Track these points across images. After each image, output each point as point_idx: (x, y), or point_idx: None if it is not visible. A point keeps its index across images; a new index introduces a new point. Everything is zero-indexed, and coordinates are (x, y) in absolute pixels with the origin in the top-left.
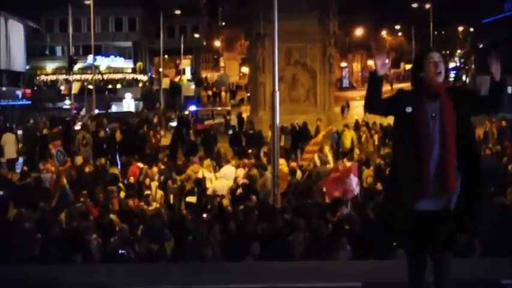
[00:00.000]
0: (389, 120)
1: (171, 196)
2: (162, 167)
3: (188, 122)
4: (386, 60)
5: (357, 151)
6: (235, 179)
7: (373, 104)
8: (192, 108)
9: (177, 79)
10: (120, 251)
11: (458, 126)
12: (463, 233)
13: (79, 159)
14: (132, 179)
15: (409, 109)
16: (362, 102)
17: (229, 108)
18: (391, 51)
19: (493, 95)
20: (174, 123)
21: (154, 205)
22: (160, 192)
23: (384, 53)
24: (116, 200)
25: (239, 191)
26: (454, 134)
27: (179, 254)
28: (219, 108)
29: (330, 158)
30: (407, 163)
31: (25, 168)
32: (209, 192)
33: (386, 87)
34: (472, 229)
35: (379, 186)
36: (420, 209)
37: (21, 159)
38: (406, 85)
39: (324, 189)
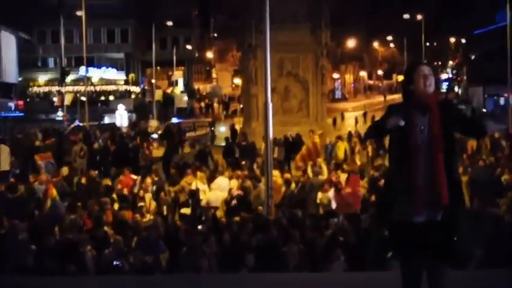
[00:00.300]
0: None
1: (164, 207)
2: (156, 178)
3: (174, 133)
4: (401, 122)
5: (348, 163)
6: (230, 190)
7: (372, 137)
8: (174, 120)
9: (169, 90)
10: (114, 263)
11: (446, 139)
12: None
13: (65, 170)
14: (125, 191)
15: (402, 123)
16: (354, 114)
17: (209, 119)
18: (383, 63)
19: (479, 127)
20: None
21: (148, 217)
22: (154, 204)
23: (400, 118)
24: (110, 211)
25: (234, 202)
26: (442, 147)
27: (174, 265)
28: (201, 120)
29: (324, 169)
30: (397, 175)
31: (12, 180)
32: (203, 203)
33: (380, 99)
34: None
35: (373, 198)
36: (410, 220)
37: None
38: (398, 96)
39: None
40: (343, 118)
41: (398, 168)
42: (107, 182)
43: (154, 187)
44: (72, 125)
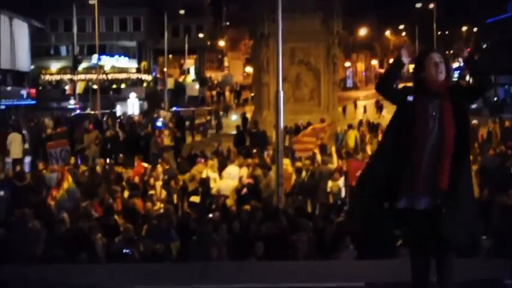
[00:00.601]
0: None
1: (175, 196)
2: (166, 166)
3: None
4: (410, 57)
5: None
6: (240, 178)
7: (385, 83)
8: (173, 108)
9: (181, 79)
10: (124, 250)
11: (458, 125)
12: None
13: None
14: (136, 179)
15: (410, 98)
16: (365, 102)
17: (210, 108)
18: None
19: (472, 73)
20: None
21: (159, 205)
22: (164, 192)
23: (411, 47)
24: (120, 199)
25: (244, 190)
26: (453, 134)
27: (184, 254)
28: (201, 108)
29: (335, 158)
30: (399, 155)
31: (18, 167)
32: (214, 191)
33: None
34: (450, 231)
35: None
36: (413, 208)
37: (27, 159)
38: (411, 84)
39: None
40: (356, 106)
41: (399, 148)
42: (118, 170)
43: (166, 176)
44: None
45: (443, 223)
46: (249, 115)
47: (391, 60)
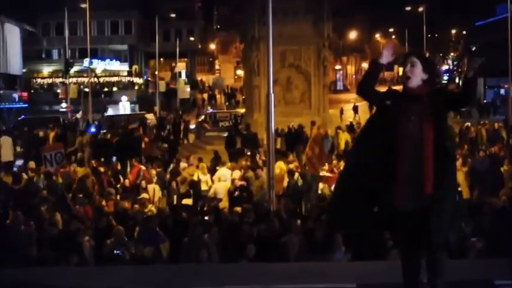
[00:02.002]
0: None
1: (174, 198)
2: (159, 169)
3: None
4: (390, 57)
5: None
6: (233, 181)
7: (365, 86)
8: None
9: (173, 85)
10: (115, 251)
11: (436, 129)
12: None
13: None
14: (127, 182)
15: (388, 102)
16: (358, 104)
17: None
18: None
19: (465, 88)
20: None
21: (150, 207)
22: (158, 195)
23: (392, 47)
24: (112, 202)
25: (237, 193)
26: (432, 137)
27: (175, 256)
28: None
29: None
30: (377, 160)
31: (14, 170)
32: (211, 193)
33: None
34: (434, 229)
35: None
36: (402, 209)
37: (19, 162)
38: (400, 88)
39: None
40: (342, 112)
41: (377, 152)
42: (110, 172)
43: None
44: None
45: (430, 224)
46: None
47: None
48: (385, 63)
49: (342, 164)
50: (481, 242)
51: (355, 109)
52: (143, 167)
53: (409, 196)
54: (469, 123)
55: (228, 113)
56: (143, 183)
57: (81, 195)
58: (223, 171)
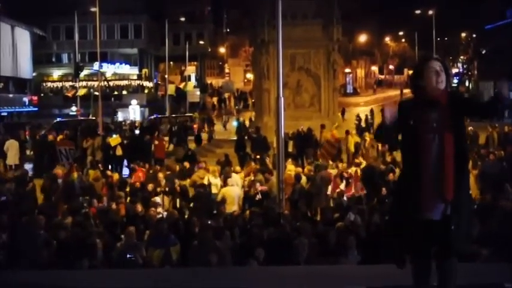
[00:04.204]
0: None
1: (178, 201)
2: (168, 172)
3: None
4: (394, 119)
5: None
6: (253, 185)
7: (383, 139)
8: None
9: (181, 86)
10: (128, 255)
11: (456, 132)
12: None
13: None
14: (137, 184)
15: (411, 122)
16: (366, 108)
17: (190, 114)
18: (394, 58)
19: (492, 105)
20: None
21: (160, 210)
22: (166, 197)
23: (394, 107)
24: (123, 205)
25: (258, 196)
26: (453, 143)
27: (185, 259)
28: (178, 115)
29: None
30: (409, 172)
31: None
32: (219, 198)
33: (396, 92)
34: (456, 238)
35: (383, 191)
36: (422, 218)
37: (28, 166)
38: (409, 91)
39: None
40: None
41: (408, 166)
42: (118, 176)
43: (167, 182)
44: (54, 121)
45: (451, 231)
46: (247, 121)
47: (391, 67)
48: (391, 122)
49: (352, 169)
50: (489, 247)
51: (372, 112)
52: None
53: (432, 204)
54: (471, 127)
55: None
56: (150, 186)
57: (87, 198)
58: (234, 176)
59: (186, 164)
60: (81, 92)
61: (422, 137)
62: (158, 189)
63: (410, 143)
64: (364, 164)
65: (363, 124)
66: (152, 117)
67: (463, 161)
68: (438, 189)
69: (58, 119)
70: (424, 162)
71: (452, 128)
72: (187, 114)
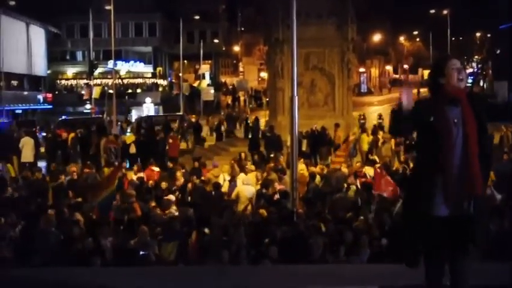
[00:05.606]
0: None
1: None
2: (183, 170)
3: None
4: (411, 105)
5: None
6: (271, 184)
7: (398, 131)
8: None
9: (196, 84)
10: (141, 253)
11: (479, 127)
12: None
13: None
14: (151, 183)
15: (431, 118)
16: (379, 108)
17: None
18: (408, 57)
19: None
20: None
21: (173, 207)
22: (179, 196)
23: (411, 89)
24: (137, 203)
25: (277, 196)
26: (476, 137)
27: (197, 256)
28: (173, 114)
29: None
30: (429, 172)
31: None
32: (233, 196)
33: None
34: (477, 234)
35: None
36: (440, 215)
37: (41, 163)
38: (425, 90)
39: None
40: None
41: (428, 165)
42: (132, 174)
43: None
44: (59, 120)
45: (473, 228)
46: (263, 120)
47: (405, 66)
48: (409, 107)
49: (366, 169)
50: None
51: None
52: (157, 169)
53: (454, 201)
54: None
55: (163, 117)
56: (163, 184)
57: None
58: (247, 175)
59: (196, 164)
60: (97, 92)
61: (444, 133)
62: (174, 188)
63: (431, 140)
64: (379, 162)
65: (367, 123)
66: (143, 116)
67: (486, 157)
68: (463, 185)
69: (63, 117)
70: (447, 159)
71: (475, 124)
72: (177, 114)
